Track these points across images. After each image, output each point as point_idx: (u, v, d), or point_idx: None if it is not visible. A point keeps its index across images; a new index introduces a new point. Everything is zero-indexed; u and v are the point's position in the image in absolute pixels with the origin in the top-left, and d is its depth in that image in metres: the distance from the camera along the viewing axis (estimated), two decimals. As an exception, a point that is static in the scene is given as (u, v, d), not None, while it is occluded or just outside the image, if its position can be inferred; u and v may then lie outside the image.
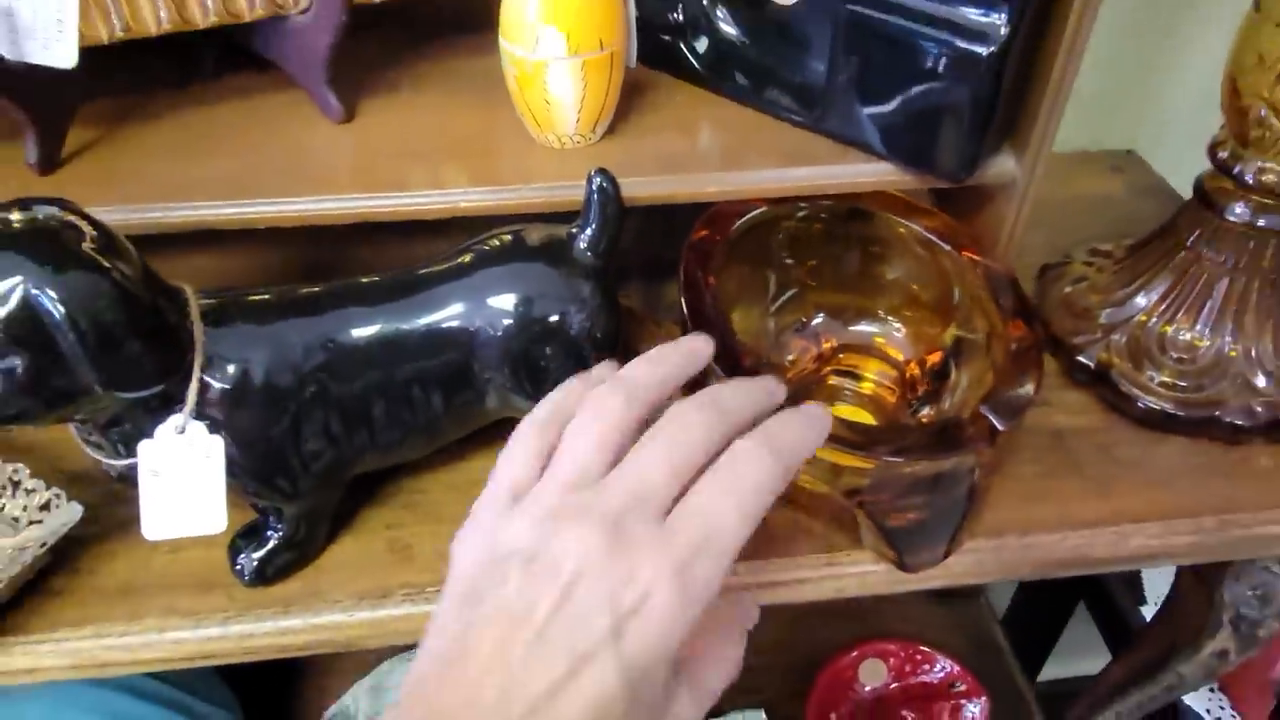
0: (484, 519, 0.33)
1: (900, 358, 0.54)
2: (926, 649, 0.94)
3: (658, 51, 0.55)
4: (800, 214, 0.52)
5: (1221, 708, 0.89)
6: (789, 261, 0.54)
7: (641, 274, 0.62)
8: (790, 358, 0.54)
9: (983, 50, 0.42)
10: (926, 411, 0.50)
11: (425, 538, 0.49)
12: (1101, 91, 0.77)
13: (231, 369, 0.41)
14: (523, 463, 0.33)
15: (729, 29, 0.53)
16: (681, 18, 0.54)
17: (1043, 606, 1.09)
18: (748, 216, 0.50)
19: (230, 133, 0.51)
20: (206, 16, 0.47)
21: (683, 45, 0.54)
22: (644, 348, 0.36)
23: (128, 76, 0.51)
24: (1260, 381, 0.52)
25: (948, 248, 0.50)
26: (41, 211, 0.36)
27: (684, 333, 0.42)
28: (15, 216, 0.36)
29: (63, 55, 0.43)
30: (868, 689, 0.93)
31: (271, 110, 0.52)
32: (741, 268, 0.51)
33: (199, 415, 0.41)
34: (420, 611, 0.46)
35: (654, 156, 0.50)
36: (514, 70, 0.47)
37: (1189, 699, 0.89)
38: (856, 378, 0.55)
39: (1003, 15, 0.41)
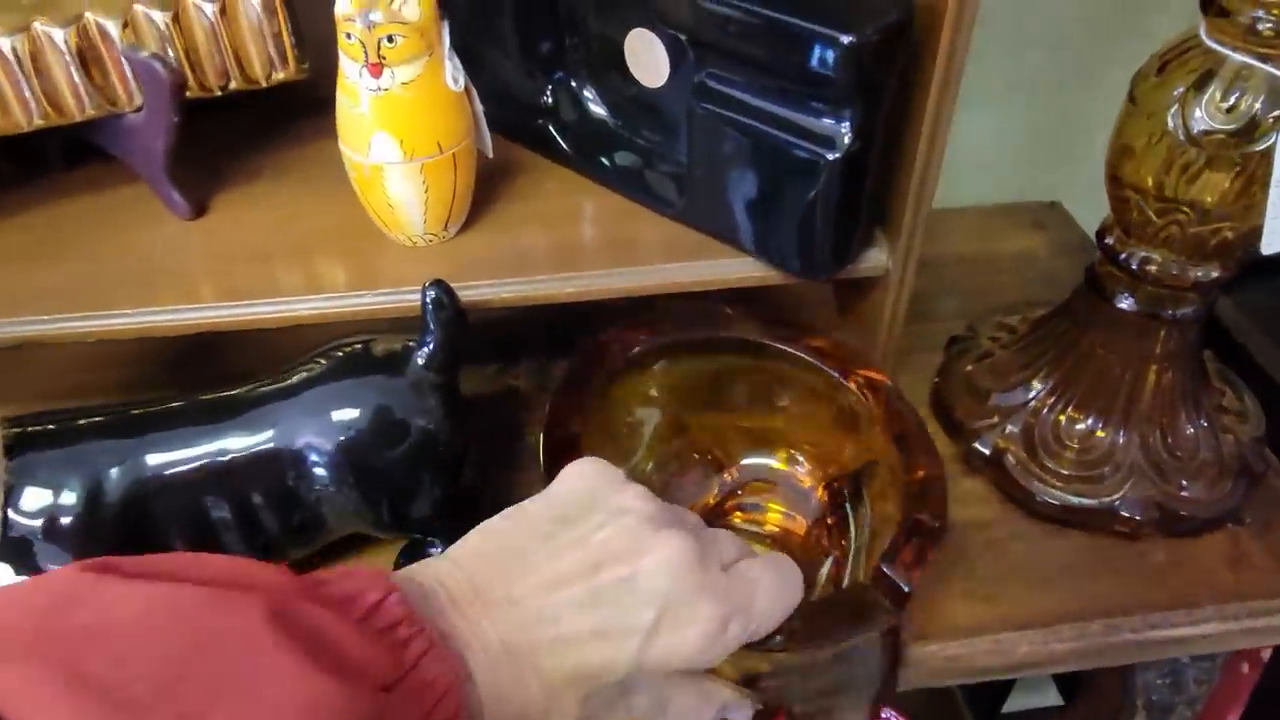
0: (602, 471, 0.36)
1: (806, 486, 0.50)
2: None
3: (527, 131, 0.53)
4: (679, 347, 0.48)
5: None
6: (669, 398, 0.50)
7: (530, 352, 0.60)
8: (680, 495, 0.50)
9: (828, 155, 0.40)
10: (830, 562, 0.47)
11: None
12: (1026, 143, 0.75)
13: (40, 501, 0.39)
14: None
15: (598, 109, 0.51)
16: (551, 99, 0.52)
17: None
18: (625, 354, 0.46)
19: (74, 233, 0.48)
20: (32, 119, 0.45)
21: (551, 126, 0.52)
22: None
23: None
24: (1156, 474, 0.50)
25: (835, 372, 0.46)
26: None
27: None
28: None
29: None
30: (809, 743, 0.91)
31: (120, 205, 0.50)
32: (615, 409, 0.47)
33: (5, 553, 0.39)
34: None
35: (512, 254, 0.47)
36: (353, 173, 0.45)
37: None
38: (763, 510, 0.51)
39: (846, 123, 0.39)
